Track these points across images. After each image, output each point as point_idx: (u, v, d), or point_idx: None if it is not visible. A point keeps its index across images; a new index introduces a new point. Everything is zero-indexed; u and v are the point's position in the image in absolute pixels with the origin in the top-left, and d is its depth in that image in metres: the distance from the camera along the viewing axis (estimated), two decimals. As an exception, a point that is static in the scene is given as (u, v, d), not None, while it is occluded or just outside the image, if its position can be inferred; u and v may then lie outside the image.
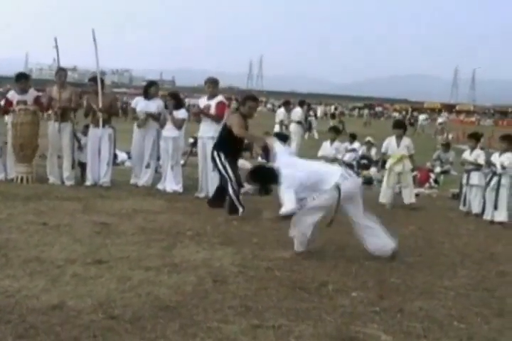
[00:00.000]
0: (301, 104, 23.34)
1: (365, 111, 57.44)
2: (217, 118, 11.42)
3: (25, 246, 7.22)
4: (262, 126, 21.19)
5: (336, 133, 13.54)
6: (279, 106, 22.97)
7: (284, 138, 12.62)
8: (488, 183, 10.96)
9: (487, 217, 10.91)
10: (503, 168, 10.69)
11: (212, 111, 11.44)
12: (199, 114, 11.63)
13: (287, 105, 23.06)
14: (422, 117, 47.23)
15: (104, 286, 5.92)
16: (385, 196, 12.11)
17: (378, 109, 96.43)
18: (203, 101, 11.76)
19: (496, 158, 10.97)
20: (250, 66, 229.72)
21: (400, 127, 12.39)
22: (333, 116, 49.40)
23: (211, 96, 11.64)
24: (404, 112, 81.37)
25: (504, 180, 10.72)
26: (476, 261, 8.03)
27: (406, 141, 12.21)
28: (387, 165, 12.27)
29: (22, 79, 12.28)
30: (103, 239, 7.76)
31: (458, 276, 7.19)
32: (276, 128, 20.58)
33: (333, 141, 13.32)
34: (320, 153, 13.50)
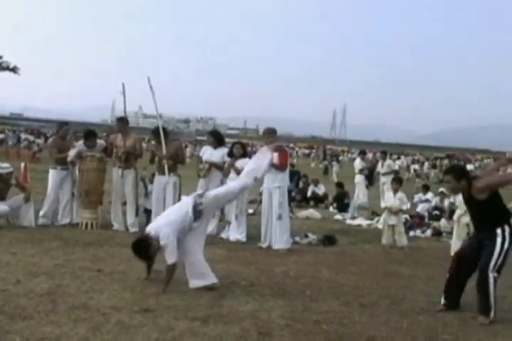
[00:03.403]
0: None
1: (445, 162, 56.91)
2: (280, 167, 11.44)
3: (75, 293, 7.25)
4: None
5: (398, 183, 13.29)
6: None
7: None
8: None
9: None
10: None
11: (276, 160, 11.40)
12: None
13: (363, 154, 23.07)
14: (469, 167, 46.90)
15: (146, 336, 5.87)
16: (454, 248, 11.84)
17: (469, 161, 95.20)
18: None
19: None
20: (334, 115, 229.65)
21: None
22: (434, 165, 49.91)
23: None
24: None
25: None
26: (539, 318, 7.68)
27: None
28: (455, 217, 12.04)
29: (91, 137, 12.62)
30: (155, 287, 7.73)
31: (516, 335, 6.90)
32: (357, 179, 20.47)
33: (396, 191, 13.06)
34: (383, 204, 13.28)
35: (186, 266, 7.98)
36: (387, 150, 24.21)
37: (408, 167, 51.72)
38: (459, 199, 11.94)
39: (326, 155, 58.71)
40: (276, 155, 11.40)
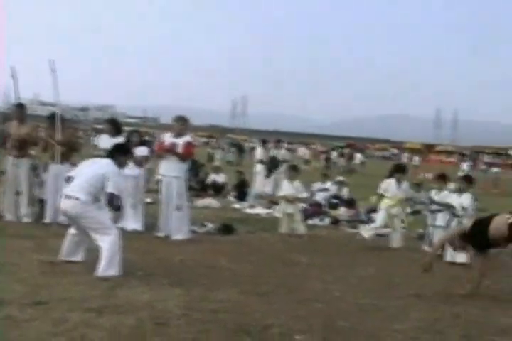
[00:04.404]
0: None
1: (346, 151, 57.91)
2: (184, 157, 11.34)
3: (-38, 286, 7.00)
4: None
5: (295, 171, 13.36)
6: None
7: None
8: (448, 224, 10.87)
9: (448, 258, 10.79)
10: (463, 209, 10.63)
11: (180, 149, 11.29)
12: (167, 151, 11.40)
13: (264, 144, 22.94)
14: (358, 156, 48.13)
15: (37, 329, 5.67)
16: (369, 232, 12.05)
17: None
18: (167, 138, 11.59)
19: (453, 199, 10.94)
20: (234, 104, 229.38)
21: (401, 171, 12.43)
22: (341, 155, 50.84)
23: (179, 135, 11.47)
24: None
25: (464, 221, 10.64)
26: (431, 303, 7.88)
27: (405, 184, 12.32)
28: (383, 206, 12.18)
29: None
30: (48, 279, 7.53)
31: (410, 319, 7.02)
32: (257, 168, 20.34)
33: (292, 180, 13.13)
34: (280, 193, 13.32)
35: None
36: (281, 138, 24.35)
37: (315, 156, 52.80)
38: (391, 190, 12.14)
39: (218, 142, 59.51)
40: (181, 144, 11.29)
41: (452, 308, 7.63)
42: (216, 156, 41.66)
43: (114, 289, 7.30)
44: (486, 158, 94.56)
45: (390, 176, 12.47)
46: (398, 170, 12.48)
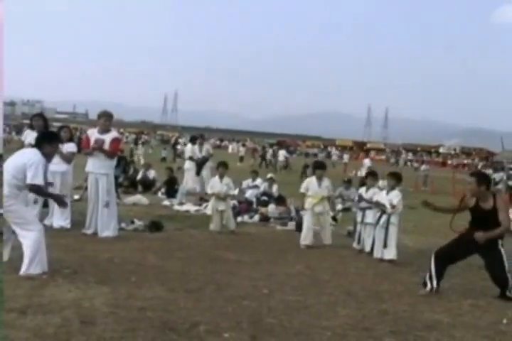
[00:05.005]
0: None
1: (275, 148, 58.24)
2: (111, 154, 11.24)
3: None
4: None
5: (224, 168, 13.28)
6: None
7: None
8: (377, 221, 10.95)
9: (377, 255, 10.89)
10: (392, 206, 10.71)
11: (107, 146, 11.16)
12: (93, 148, 11.23)
13: (194, 140, 22.79)
14: (282, 152, 48.37)
15: (-45, 331, 5.51)
16: (307, 237, 11.96)
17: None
18: (94, 134, 11.42)
19: (382, 196, 11.01)
20: (165, 100, 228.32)
21: (321, 168, 12.32)
22: (273, 152, 51.33)
23: (105, 131, 11.34)
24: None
25: (393, 219, 10.74)
26: (359, 299, 7.92)
27: (326, 181, 12.22)
28: (307, 206, 12.10)
29: None
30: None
31: (338, 316, 7.05)
32: (187, 165, 20.19)
33: (222, 177, 13.09)
34: (210, 190, 13.25)
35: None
36: (203, 134, 24.57)
37: (250, 153, 53.30)
38: (313, 188, 12.10)
39: (138, 139, 59.12)
40: (108, 141, 11.17)
41: (380, 305, 7.70)
42: (137, 152, 41.28)
43: (39, 288, 7.14)
44: (410, 156, 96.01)
45: (303, 172, 12.47)
46: (318, 167, 12.37)
